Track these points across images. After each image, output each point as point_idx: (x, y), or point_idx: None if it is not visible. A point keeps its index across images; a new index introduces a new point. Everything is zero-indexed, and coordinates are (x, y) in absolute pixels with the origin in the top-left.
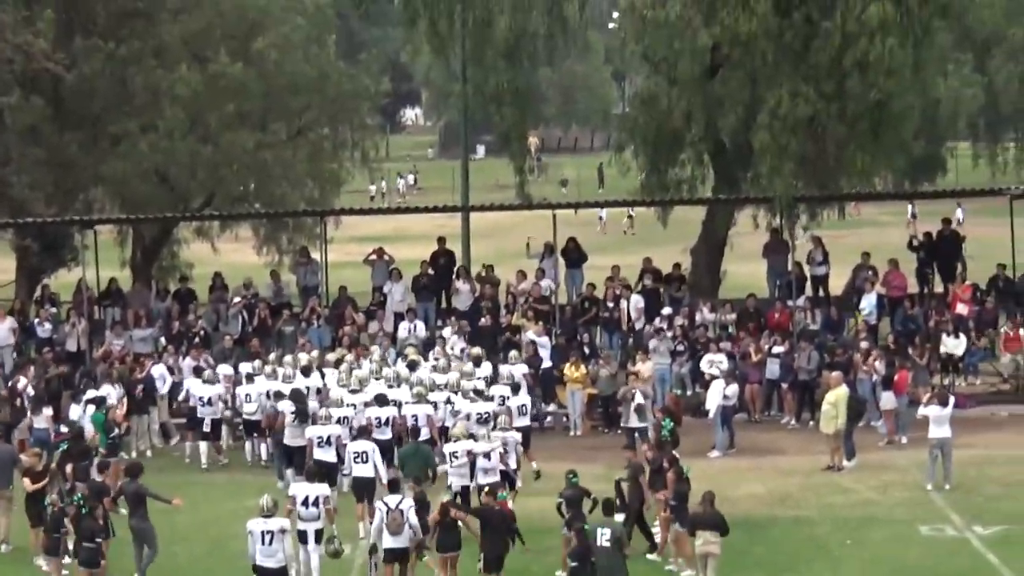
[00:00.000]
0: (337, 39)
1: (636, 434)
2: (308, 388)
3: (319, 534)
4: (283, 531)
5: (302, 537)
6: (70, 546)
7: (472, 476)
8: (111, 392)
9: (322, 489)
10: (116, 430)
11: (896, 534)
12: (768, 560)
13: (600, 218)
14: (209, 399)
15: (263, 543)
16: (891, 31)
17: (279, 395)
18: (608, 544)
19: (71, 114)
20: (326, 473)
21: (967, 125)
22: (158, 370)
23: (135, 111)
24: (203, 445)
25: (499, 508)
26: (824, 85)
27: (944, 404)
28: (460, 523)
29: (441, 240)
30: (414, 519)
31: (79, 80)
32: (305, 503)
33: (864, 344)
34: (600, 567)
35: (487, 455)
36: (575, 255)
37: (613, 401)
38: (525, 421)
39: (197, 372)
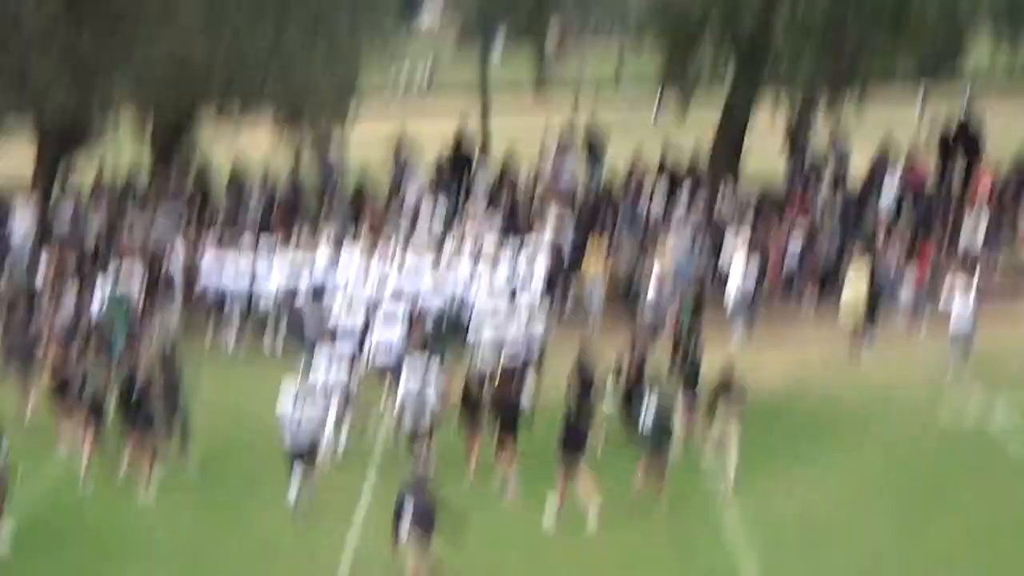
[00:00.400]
0: None
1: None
2: (331, 273)
3: (344, 403)
4: (312, 416)
5: (324, 408)
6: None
7: (499, 359)
8: (133, 276)
9: (345, 348)
10: (136, 322)
11: (913, 422)
12: (786, 447)
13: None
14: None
15: (294, 425)
16: None
17: (293, 282)
18: (655, 413)
19: (88, 11)
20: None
21: (989, 15)
22: (176, 258)
23: (152, 5)
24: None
25: (506, 395)
26: None
27: (967, 294)
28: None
29: (461, 129)
30: (434, 399)
31: None
32: (328, 364)
33: (884, 233)
34: (648, 434)
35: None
36: (595, 145)
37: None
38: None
39: (217, 259)
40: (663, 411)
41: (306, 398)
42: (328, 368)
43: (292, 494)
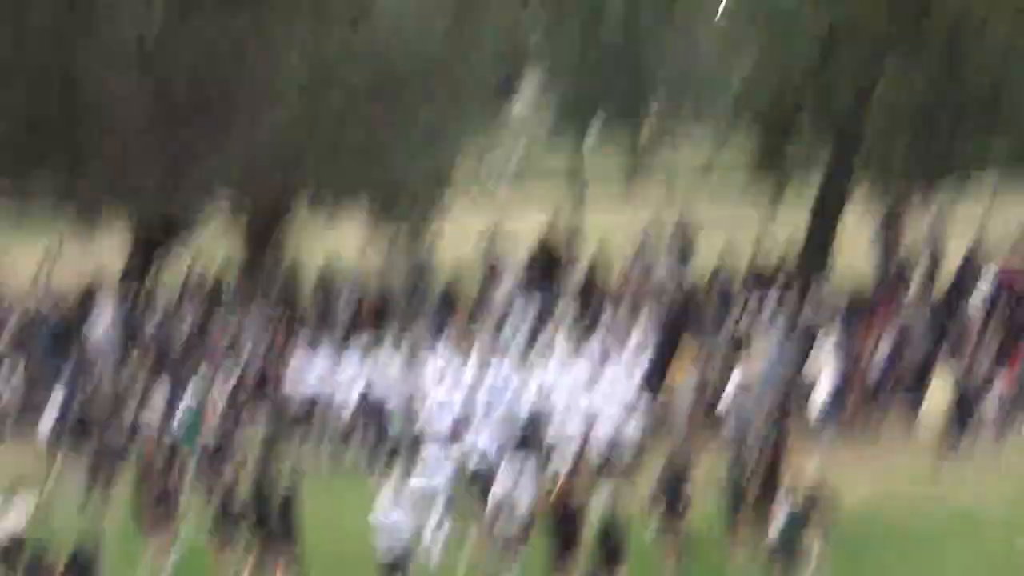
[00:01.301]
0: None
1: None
2: (418, 373)
3: (448, 504)
4: (410, 524)
5: (422, 516)
6: None
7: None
8: (218, 381)
9: (440, 453)
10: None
11: (997, 542)
12: (868, 561)
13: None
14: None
15: (391, 533)
16: (1009, 12)
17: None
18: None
19: (183, 98)
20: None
21: None
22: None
23: (248, 92)
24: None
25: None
26: (939, 68)
27: None
28: None
29: (551, 226)
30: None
31: (192, 66)
32: (426, 470)
33: (977, 328)
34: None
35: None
36: (684, 243)
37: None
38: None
39: (305, 364)
40: (795, 524)
41: (404, 504)
42: (427, 473)
43: None
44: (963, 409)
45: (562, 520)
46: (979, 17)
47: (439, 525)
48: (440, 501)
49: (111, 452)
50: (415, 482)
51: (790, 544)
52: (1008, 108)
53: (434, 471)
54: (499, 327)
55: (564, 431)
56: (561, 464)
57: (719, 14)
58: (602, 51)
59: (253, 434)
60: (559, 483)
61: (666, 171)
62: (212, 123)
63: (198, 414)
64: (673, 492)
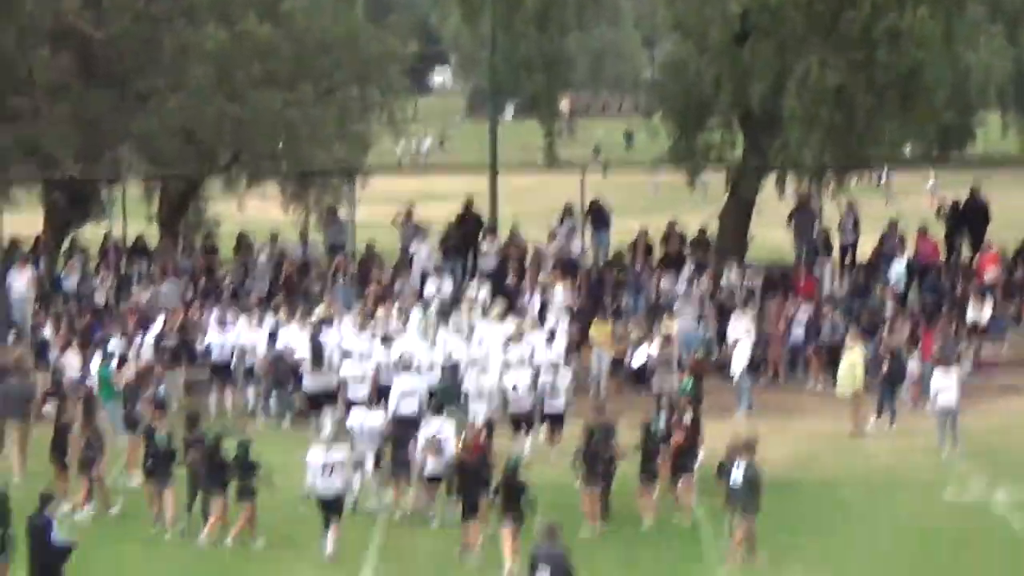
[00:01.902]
0: (366, 1)
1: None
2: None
3: (378, 458)
4: (342, 462)
5: (358, 466)
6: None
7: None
8: (136, 337)
9: (378, 417)
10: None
11: (919, 498)
12: (793, 522)
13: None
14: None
15: (324, 474)
16: (922, 1)
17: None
18: (741, 481)
19: (99, 71)
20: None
21: (997, 95)
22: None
23: (163, 69)
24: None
25: (475, 456)
26: (853, 54)
27: (948, 369)
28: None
29: (468, 201)
30: (451, 447)
31: (108, 37)
32: (361, 431)
33: (891, 310)
34: (734, 500)
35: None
36: (600, 217)
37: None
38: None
39: (221, 324)
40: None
41: (336, 445)
42: (359, 417)
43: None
44: (890, 375)
45: (473, 468)
46: (896, 6)
47: (370, 471)
48: (367, 454)
49: (22, 401)
50: (355, 416)
51: (748, 497)
52: (921, 101)
53: (359, 431)
54: (418, 296)
55: (484, 384)
56: (480, 414)
57: None
58: (517, 40)
59: (173, 387)
60: (474, 432)
61: (585, 145)
62: (127, 91)
63: (112, 371)
64: (596, 450)
